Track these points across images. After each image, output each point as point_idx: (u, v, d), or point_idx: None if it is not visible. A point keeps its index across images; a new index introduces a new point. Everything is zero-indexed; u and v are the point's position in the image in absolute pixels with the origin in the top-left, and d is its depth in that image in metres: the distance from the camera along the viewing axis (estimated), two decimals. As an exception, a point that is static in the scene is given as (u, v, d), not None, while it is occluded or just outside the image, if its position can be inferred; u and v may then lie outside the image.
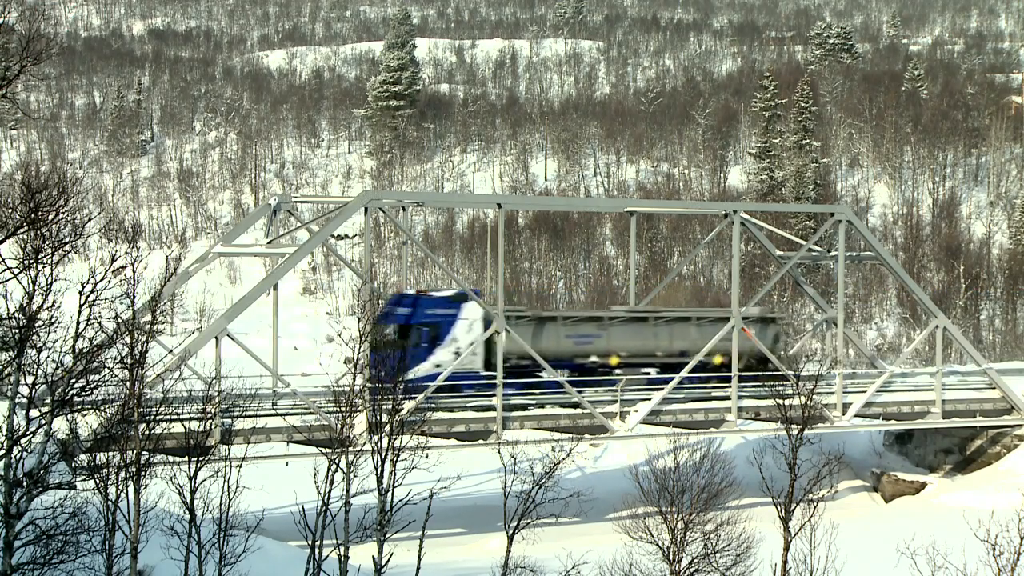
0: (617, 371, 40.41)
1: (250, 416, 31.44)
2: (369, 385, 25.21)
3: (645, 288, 70.27)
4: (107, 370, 21.35)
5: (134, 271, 21.68)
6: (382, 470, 22.13)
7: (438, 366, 37.06)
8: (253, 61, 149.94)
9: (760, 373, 39.78)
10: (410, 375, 35.32)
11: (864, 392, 42.02)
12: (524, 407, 37.94)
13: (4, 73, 20.44)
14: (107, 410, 21.21)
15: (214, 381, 32.47)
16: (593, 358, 40.17)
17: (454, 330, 38.47)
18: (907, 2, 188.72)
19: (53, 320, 20.20)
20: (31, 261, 19.73)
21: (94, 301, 20.83)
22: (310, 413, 33.80)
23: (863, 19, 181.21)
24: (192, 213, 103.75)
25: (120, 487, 20.91)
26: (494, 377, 37.05)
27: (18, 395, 19.78)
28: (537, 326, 39.79)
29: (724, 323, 41.02)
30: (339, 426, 23.55)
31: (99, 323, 21.13)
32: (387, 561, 21.58)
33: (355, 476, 22.40)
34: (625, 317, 41.74)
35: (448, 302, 39.35)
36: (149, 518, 21.75)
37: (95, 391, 20.76)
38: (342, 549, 21.88)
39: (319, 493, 21.77)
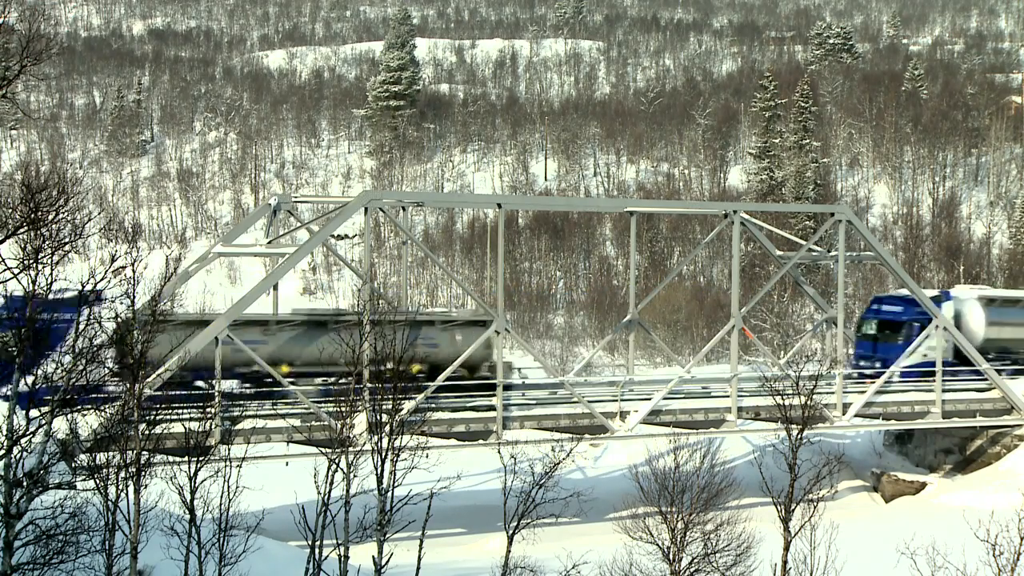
0: (289, 381, 35.13)
1: (250, 416, 31.50)
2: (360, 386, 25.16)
3: (645, 288, 70.31)
4: (107, 370, 21.35)
5: (134, 271, 21.68)
6: (382, 470, 22.13)
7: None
8: (253, 61, 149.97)
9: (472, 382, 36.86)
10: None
11: (864, 392, 42.01)
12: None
13: (4, 73, 20.44)
14: (107, 410, 21.22)
15: (214, 381, 32.59)
16: (256, 367, 34.20)
17: (70, 335, 33.17)
18: (907, 2, 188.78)
19: (54, 320, 20.20)
20: (31, 261, 19.72)
21: (94, 301, 20.82)
22: (310, 413, 33.77)
23: (863, 19, 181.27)
24: (192, 213, 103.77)
25: (120, 487, 20.90)
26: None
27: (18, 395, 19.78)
28: (185, 331, 32.76)
29: (427, 327, 37.22)
30: (339, 426, 23.56)
31: (99, 323, 21.12)
32: (387, 561, 21.57)
33: (355, 476, 22.39)
34: (299, 320, 36.65)
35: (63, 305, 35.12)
36: (149, 518, 21.74)
37: (95, 391, 20.77)
38: (342, 549, 21.88)
39: (319, 493, 21.76)
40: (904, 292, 49.21)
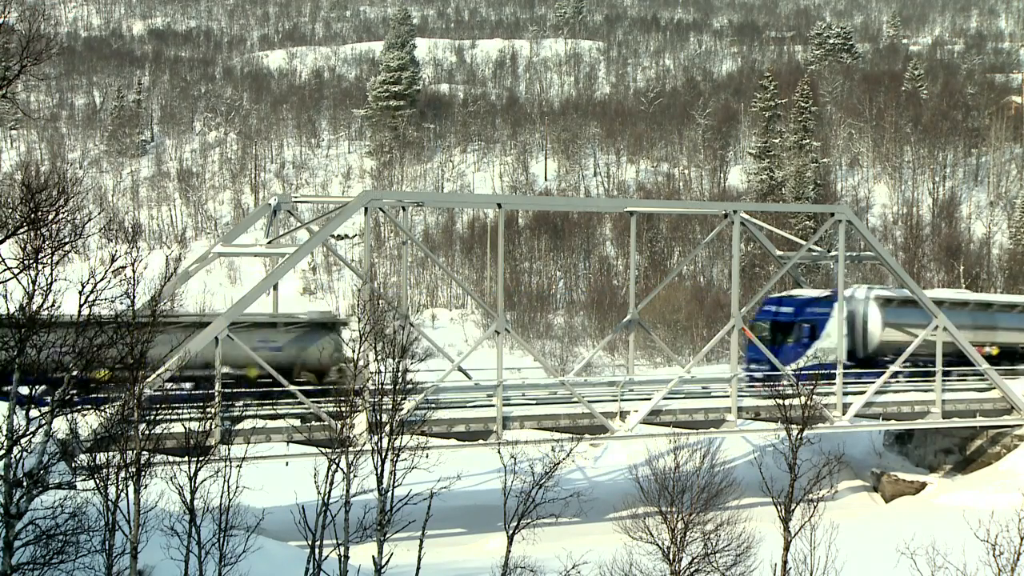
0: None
1: (250, 416, 31.50)
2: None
3: (645, 288, 70.29)
4: (107, 370, 21.35)
5: (134, 271, 21.68)
6: (382, 470, 22.15)
7: None
8: (253, 61, 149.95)
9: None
10: None
11: (864, 392, 41.99)
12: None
13: (4, 73, 20.44)
14: (107, 410, 21.22)
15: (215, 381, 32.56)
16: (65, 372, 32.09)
17: None
18: (907, 2, 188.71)
19: (53, 320, 20.20)
20: (31, 261, 19.71)
21: (94, 301, 20.82)
22: (310, 412, 33.77)
23: (863, 19, 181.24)
24: (192, 213, 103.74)
25: (120, 487, 20.91)
26: None
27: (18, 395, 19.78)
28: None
29: (268, 330, 35.81)
30: (339, 426, 23.57)
31: (99, 323, 21.13)
32: (387, 561, 21.60)
33: (355, 476, 22.41)
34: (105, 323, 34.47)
35: None
36: (149, 518, 21.74)
37: (95, 391, 20.78)
38: (342, 549, 21.90)
39: (319, 493, 21.78)
40: (796, 293, 47.71)
